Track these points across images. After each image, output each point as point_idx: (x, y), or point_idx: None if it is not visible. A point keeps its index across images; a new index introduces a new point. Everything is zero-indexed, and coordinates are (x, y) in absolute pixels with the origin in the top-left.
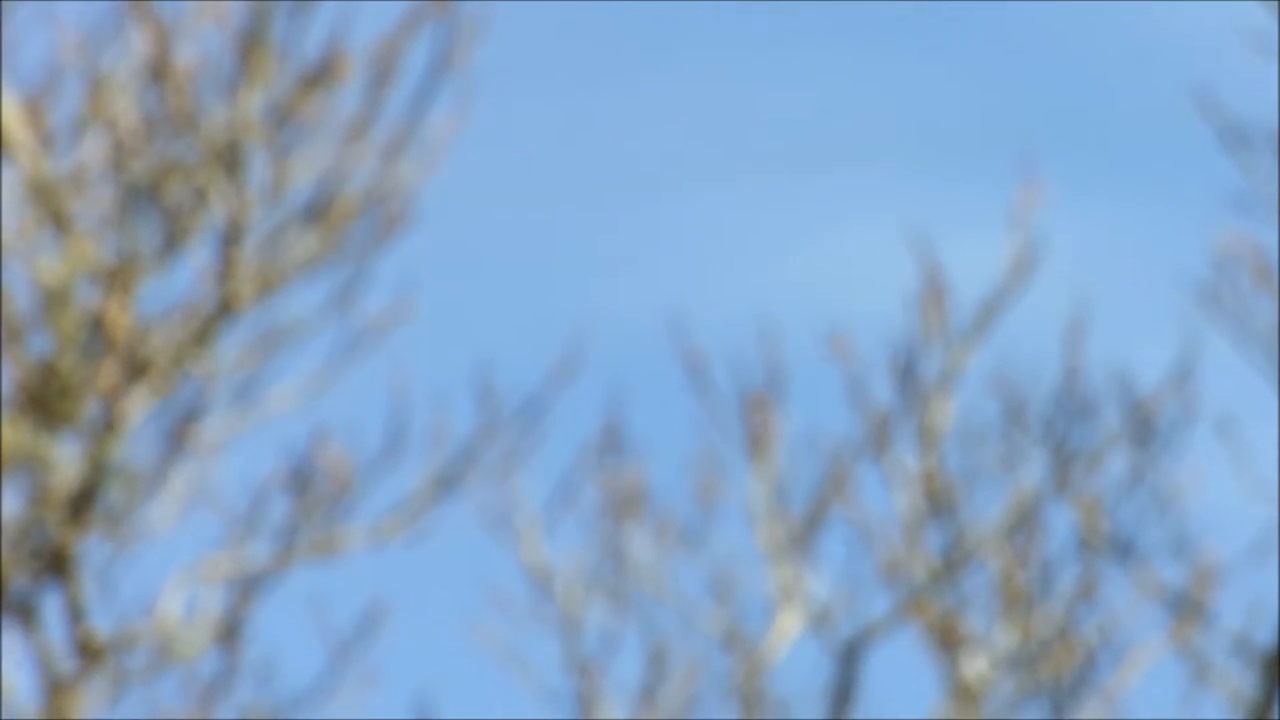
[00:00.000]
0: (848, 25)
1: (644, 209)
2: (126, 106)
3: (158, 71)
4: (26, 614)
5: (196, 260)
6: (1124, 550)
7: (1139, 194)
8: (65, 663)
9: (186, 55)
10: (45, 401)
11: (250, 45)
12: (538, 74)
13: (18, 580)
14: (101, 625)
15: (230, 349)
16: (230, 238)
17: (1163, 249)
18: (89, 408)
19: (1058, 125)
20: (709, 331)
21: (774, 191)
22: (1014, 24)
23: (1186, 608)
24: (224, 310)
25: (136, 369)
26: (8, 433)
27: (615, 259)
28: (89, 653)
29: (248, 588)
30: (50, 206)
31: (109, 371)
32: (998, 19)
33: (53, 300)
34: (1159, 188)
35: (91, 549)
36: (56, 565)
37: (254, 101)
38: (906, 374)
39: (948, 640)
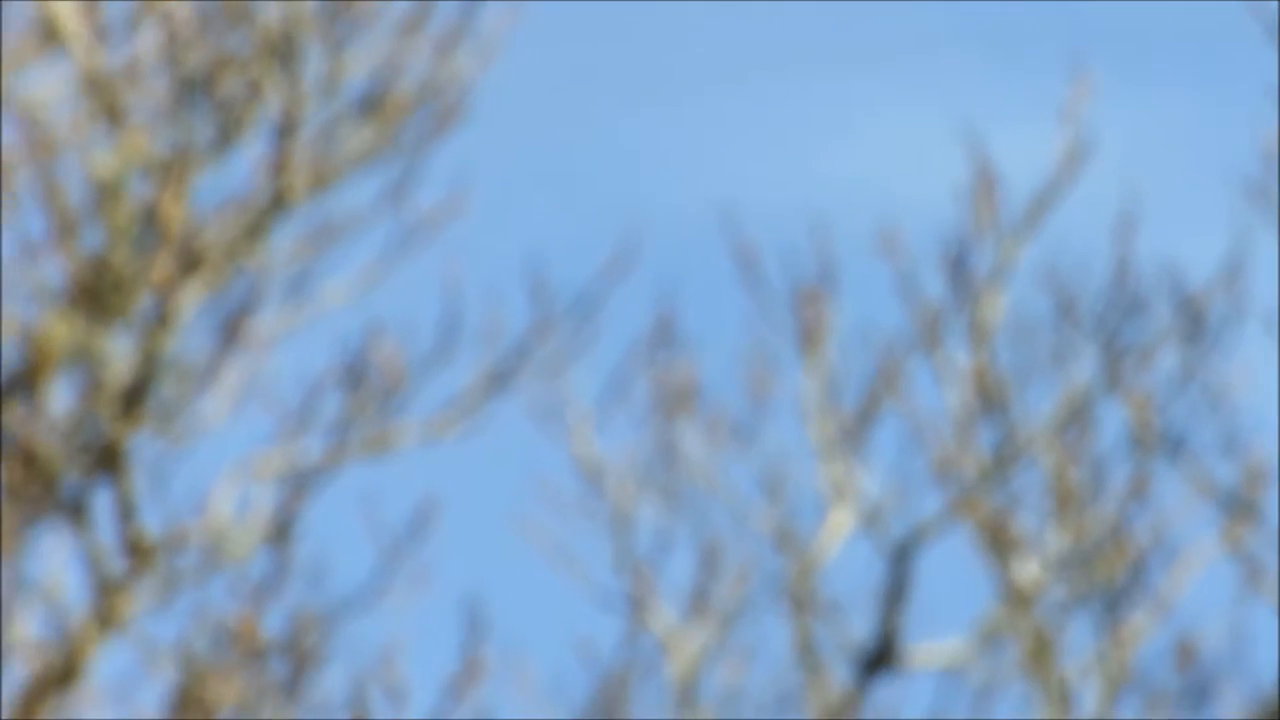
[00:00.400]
0: None
1: (695, 101)
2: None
3: None
4: (77, 513)
5: (250, 154)
6: (1175, 448)
7: (1188, 88)
8: (115, 562)
9: None
10: (98, 295)
11: None
12: None
13: (69, 478)
14: (152, 524)
15: (284, 243)
16: (284, 131)
17: (1212, 143)
18: (142, 302)
19: (1107, 18)
20: (760, 224)
21: (824, 82)
22: None
23: (1238, 507)
24: (278, 204)
25: (190, 263)
26: (60, 327)
27: (666, 151)
28: (139, 553)
29: (299, 485)
30: (104, 100)
31: (162, 265)
32: None
33: (106, 194)
34: (1208, 82)
35: (143, 445)
36: (108, 461)
37: None
38: (957, 268)
39: (999, 542)
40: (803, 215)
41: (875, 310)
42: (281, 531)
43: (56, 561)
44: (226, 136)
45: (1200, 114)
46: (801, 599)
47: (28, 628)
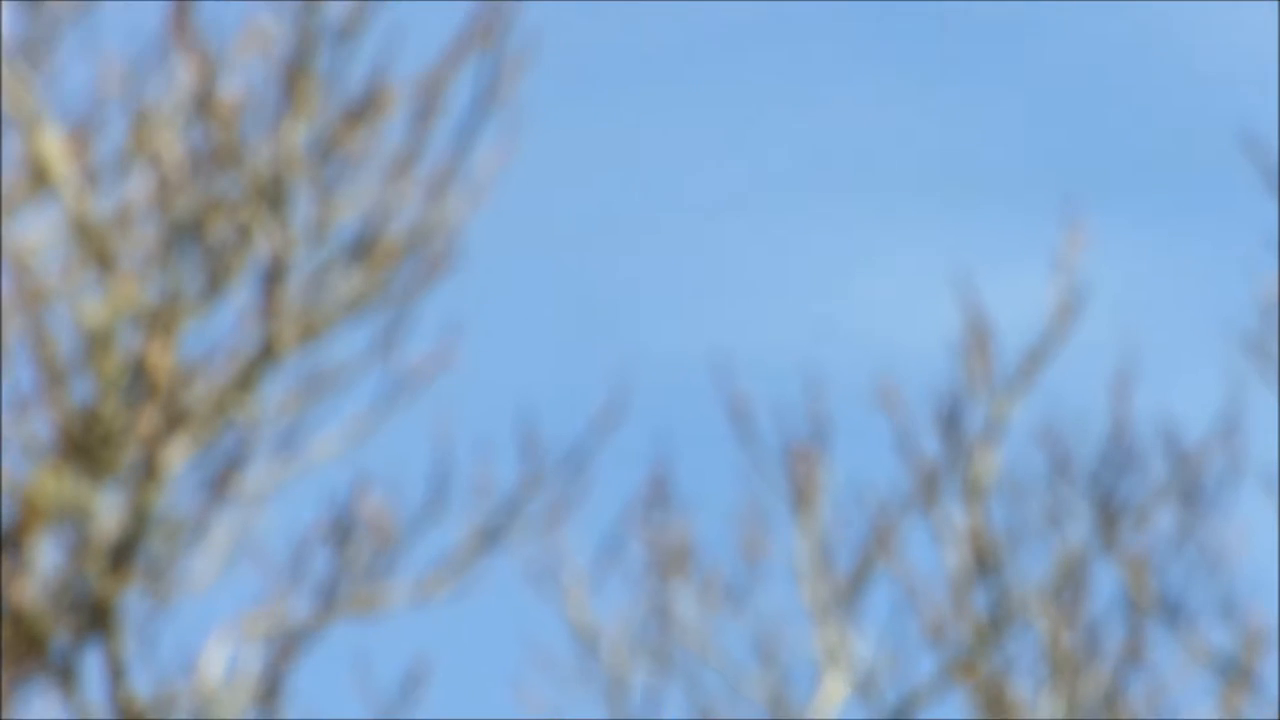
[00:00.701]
0: (892, 57)
1: (688, 246)
2: (171, 141)
3: (202, 105)
4: (66, 674)
5: (239, 301)
6: (1172, 612)
7: (1184, 236)
8: None
9: (231, 88)
10: (87, 449)
11: (295, 77)
12: (582, 108)
13: (58, 637)
14: (141, 684)
15: (273, 394)
16: (274, 276)
17: (1208, 293)
18: (130, 455)
19: (1103, 164)
20: (753, 373)
21: (818, 225)
22: (1064, 61)
23: (1236, 674)
24: (267, 354)
25: (178, 415)
26: (49, 482)
27: (659, 298)
28: (129, 715)
29: (288, 644)
30: (94, 246)
31: (150, 418)
32: (1049, 56)
33: (95, 344)
34: (1204, 230)
35: (132, 603)
36: (97, 620)
37: (298, 135)
38: (951, 424)
39: (995, 707)
40: (797, 364)
41: (870, 465)
42: (271, 692)
43: None
44: (216, 283)
45: (1194, 261)
46: None
47: None
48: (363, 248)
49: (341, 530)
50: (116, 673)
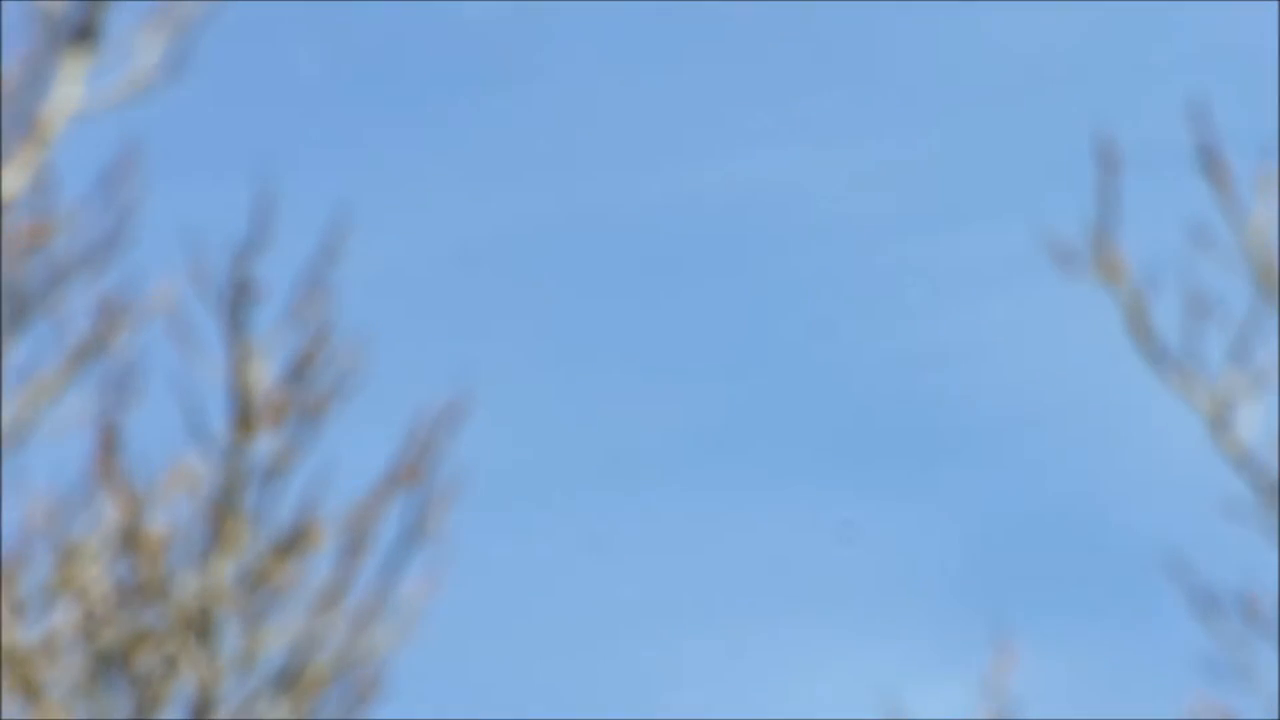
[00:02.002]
0: (818, 472)
1: (611, 662)
2: (97, 574)
3: (129, 539)
4: None
5: None
6: None
7: (1110, 656)
8: None
9: (158, 523)
10: None
11: (222, 514)
12: (507, 539)
13: None
14: None
15: None
16: (201, 706)
17: (1134, 712)
18: None
19: (1032, 584)
20: None
21: (740, 639)
22: (988, 479)
23: None
24: None
25: None
26: None
27: (590, 707)
28: None
29: None
30: (20, 675)
31: None
32: (977, 476)
33: None
34: (1130, 650)
35: None
36: None
37: (226, 569)
38: None
39: None
40: None
41: None
42: None
43: None
44: (143, 712)
45: (1124, 684)
46: None
47: None
48: (290, 677)
49: None
50: None
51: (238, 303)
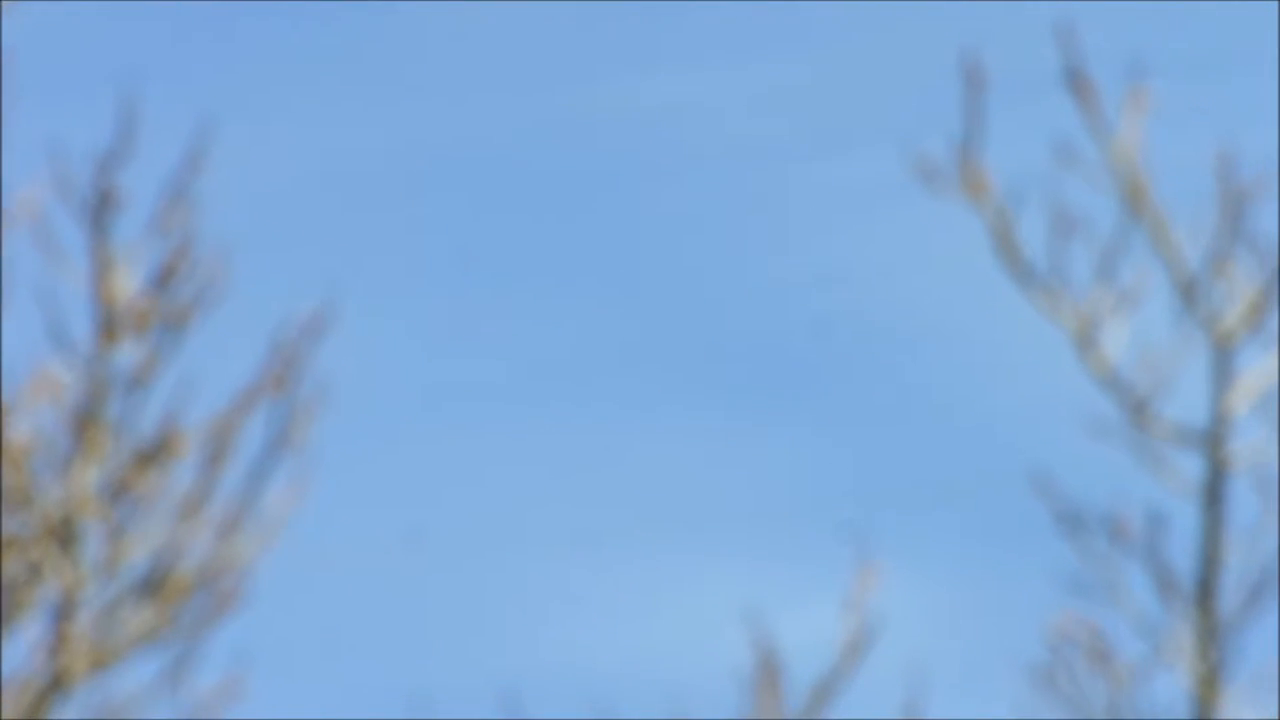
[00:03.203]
0: (685, 392)
1: (483, 575)
2: None
3: None
4: None
5: (29, 635)
6: None
7: (976, 574)
8: None
9: (21, 431)
10: None
11: (85, 422)
12: (375, 451)
13: None
14: None
15: None
16: (64, 613)
17: (999, 629)
18: None
19: (896, 501)
20: (544, 705)
21: (609, 559)
22: (859, 397)
23: None
24: (56, 685)
25: None
26: None
27: (449, 633)
28: None
29: None
30: None
31: None
32: (844, 392)
33: None
34: (996, 568)
35: None
36: None
37: (89, 478)
38: None
39: None
40: (587, 697)
41: None
42: None
43: None
44: (6, 618)
45: (986, 598)
46: None
47: None
48: (153, 584)
49: None
50: None
51: (101, 212)
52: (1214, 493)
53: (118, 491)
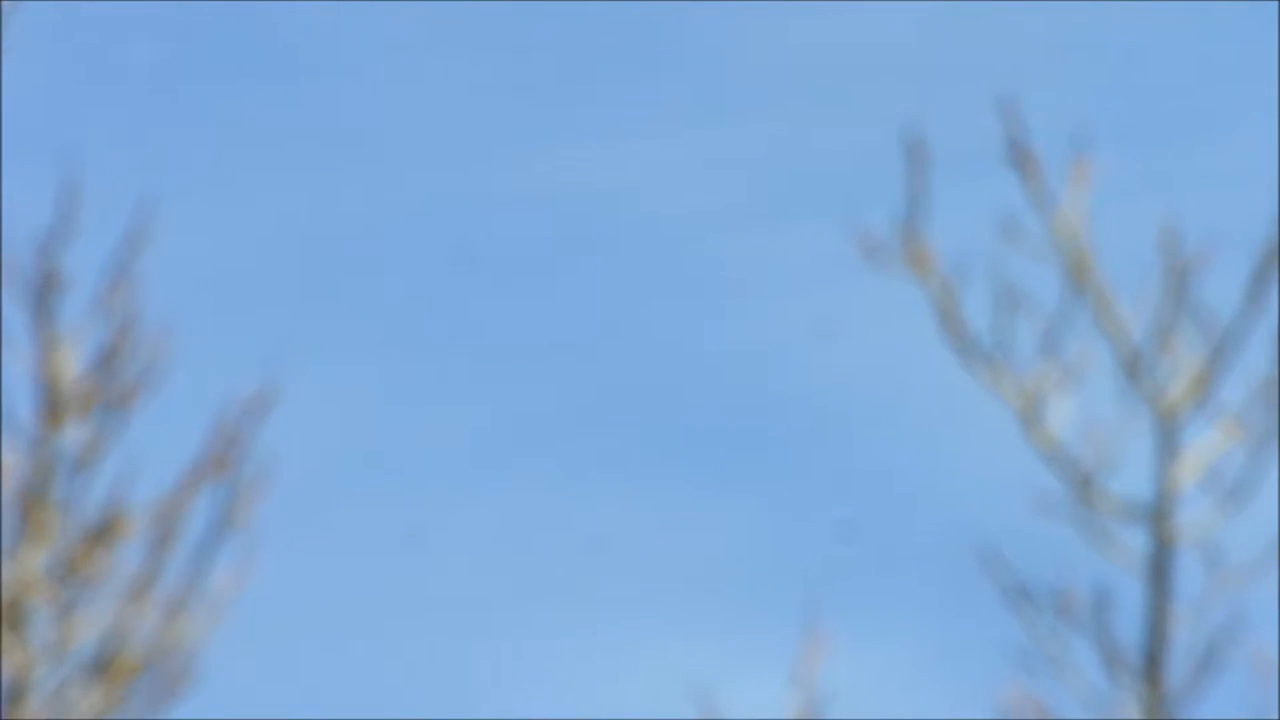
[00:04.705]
0: (625, 464)
1: (425, 654)
2: None
3: None
4: None
5: None
6: None
7: (925, 647)
8: None
9: None
10: None
11: (32, 503)
12: (320, 530)
13: None
14: None
15: None
16: (15, 694)
17: (947, 703)
18: None
19: (846, 575)
20: None
21: (553, 632)
22: (804, 473)
23: None
24: None
25: None
26: None
27: (397, 706)
28: None
29: None
30: None
31: None
32: (792, 464)
33: None
34: (944, 641)
35: None
36: None
37: (38, 559)
38: None
39: None
40: None
41: None
42: None
43: None
44: None
45: (937, 675)
46: None
47: None
48: (102, 665)
49: None
50: None
51: (44, 295)
52: (1160, 567)
53: (66, 572)
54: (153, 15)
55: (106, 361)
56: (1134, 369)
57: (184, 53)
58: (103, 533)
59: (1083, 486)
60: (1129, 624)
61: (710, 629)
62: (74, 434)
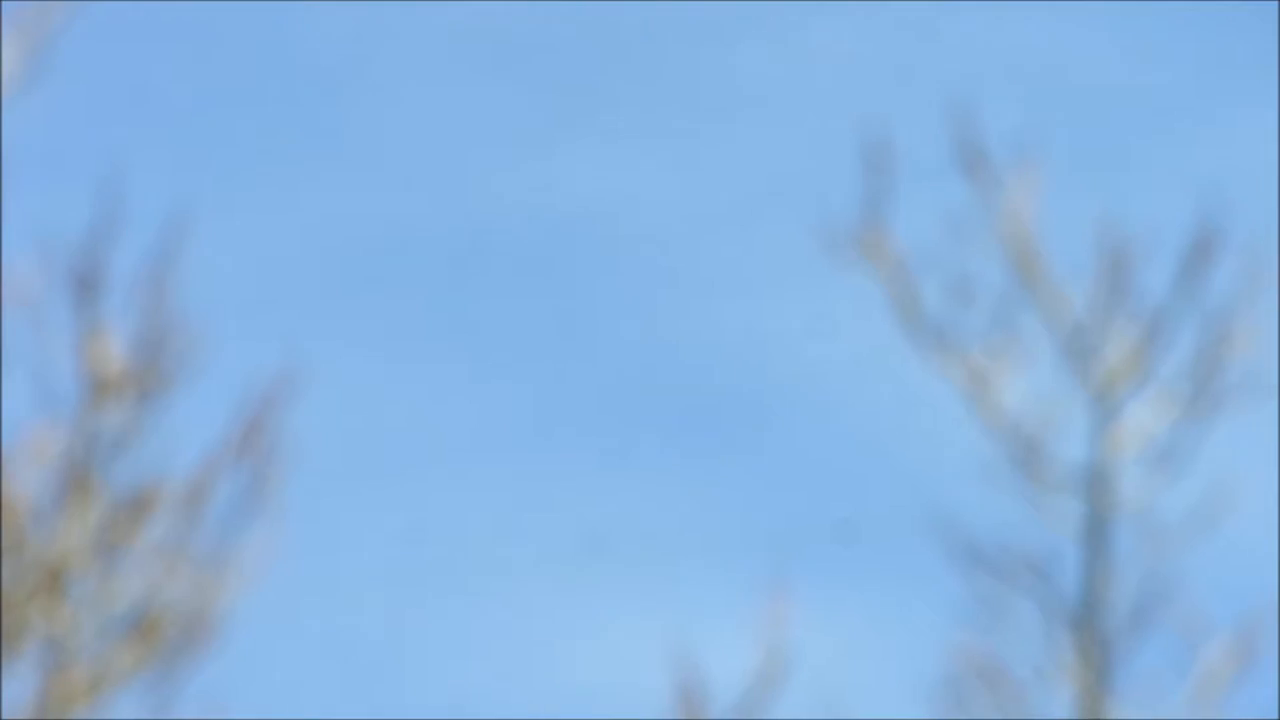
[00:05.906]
0: (600, 427)
1: (437, 611)
2: None
3: None
4: None
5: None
6: None
7: (881, 606)
8: None
9: (16, 487)
10: None
11: (74, 479)
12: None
13: None
14: None
15: None
16: (59, 653)
17: (903, 656)
18: None
19: (814, 535)
20: None
21: (533, 594)
22: (773, 448)
23: None
24: (53, 715)
25: None
26: None
27: (401, 661)
28: None
29: None
30: None
31: None
32: (758, 444)
33: None
34: (899, 601)
35: None
36: None
37: (78, 529)
38: None
39: None
40: None
41: None
42: None
43: None
44: (5, 655)
45: (891, 627)
46: None
47: None
48: (138, 626)
49: None
50: None
51: (87, 290)
52: (1097, 531)
53: (106, 541)
54: (191, 32)
55: (145, 349)
56: (1074, 350)
57: (219, 71)
58: (139, 505)
59: (1027, 458)
60: (1069, 585)
61: (685, 592)
62: (114, 415)
